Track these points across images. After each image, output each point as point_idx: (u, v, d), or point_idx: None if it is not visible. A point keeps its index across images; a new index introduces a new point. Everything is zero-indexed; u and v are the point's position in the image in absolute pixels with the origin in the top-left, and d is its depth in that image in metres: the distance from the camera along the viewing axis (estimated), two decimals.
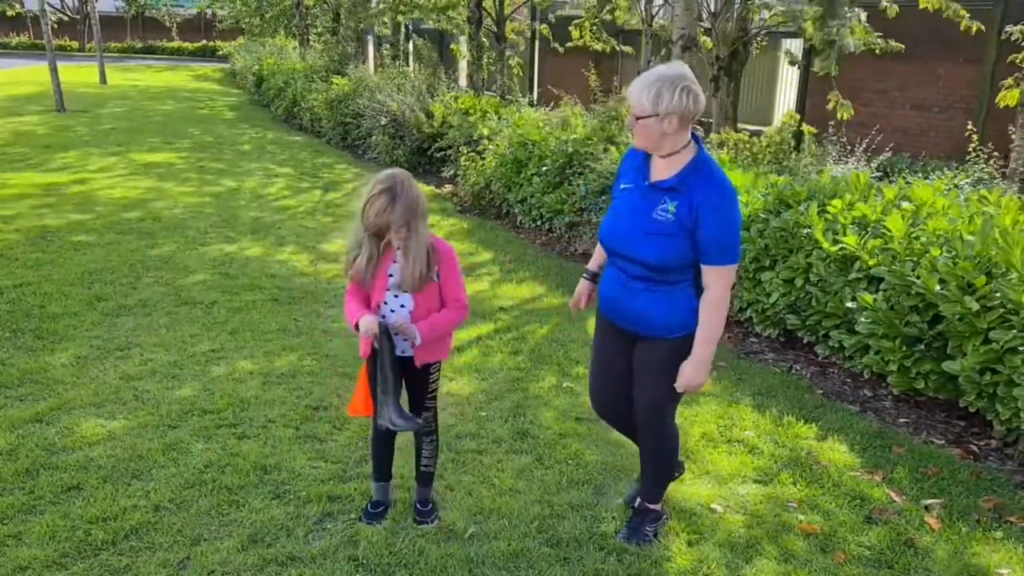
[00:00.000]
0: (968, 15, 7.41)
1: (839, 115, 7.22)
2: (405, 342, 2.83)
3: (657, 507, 3.09)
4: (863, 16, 7.20)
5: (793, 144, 7.30)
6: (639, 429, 2.98)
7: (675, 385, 2.76)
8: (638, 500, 3.13)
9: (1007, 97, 6.98)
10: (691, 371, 2.73)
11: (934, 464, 3.64)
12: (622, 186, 2.88)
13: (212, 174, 10.40)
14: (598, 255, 3.16)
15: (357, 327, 2.78)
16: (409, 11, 16.13)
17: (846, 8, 6.76)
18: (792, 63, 9.69)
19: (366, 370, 2.99)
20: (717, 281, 2.68)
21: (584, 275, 3.20)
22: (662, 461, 3.03)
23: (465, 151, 9.05)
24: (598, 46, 12.68)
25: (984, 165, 6.75)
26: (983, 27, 7.98)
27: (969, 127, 7.81)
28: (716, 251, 2.65)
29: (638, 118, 2.65)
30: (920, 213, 4.48)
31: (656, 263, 2.70)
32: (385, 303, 2.83)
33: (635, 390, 2.92)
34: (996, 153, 7.38)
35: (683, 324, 2.76)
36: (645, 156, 2.82)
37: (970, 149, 7.31)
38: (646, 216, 2.72)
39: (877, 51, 7.59)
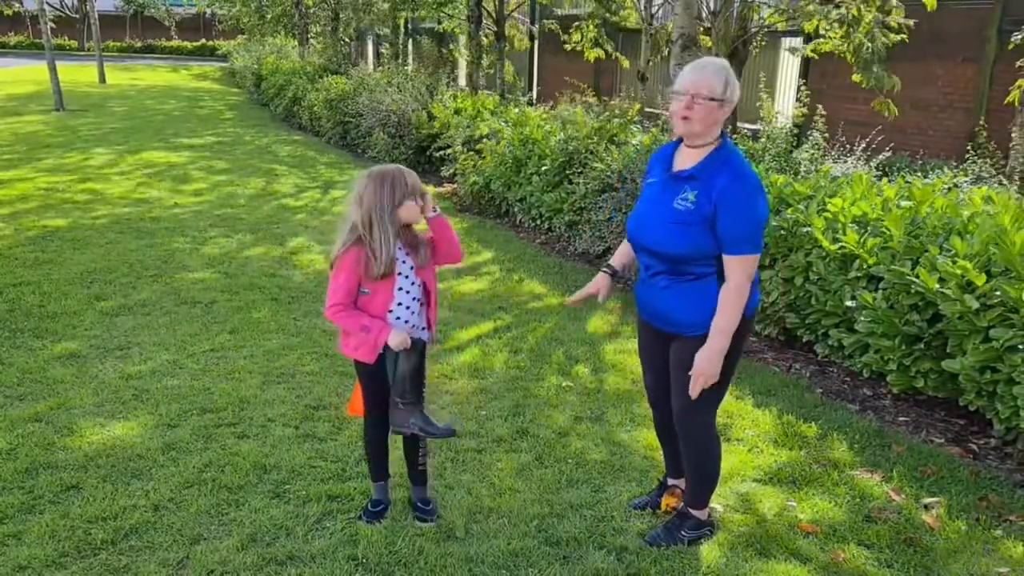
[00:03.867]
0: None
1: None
2: (424, 331, 2.94)
3: (700, 514, 3.03)
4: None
5: (794, 142, 7.30)
6: (678, 430, 2.94)
7: (688, 372, 2.71)
8: (682, 504, 3.07)
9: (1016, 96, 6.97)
10: (703, 361, 2.68)
11: (933, 463, 3.64)
12: (649, 180, 2.89)
13: (211, 173, 10.40)
14: (621, 252, 3.08)
15: (382, 342, 2.81)
16: (409, 8, 16.12)
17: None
18: (793, 52, 9.68)
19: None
20: (735, 271, 2.66)
21: (604, 268, 3.07)
22: (703, 464, 2.96)
23: (463, 150, 9.04)
24: (593, 55, 12.54)
25: (983, 163, 6.75)
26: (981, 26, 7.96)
27: (981, 122, 7.74)
28: (734, 240, 2.64)
29: (701, 100, 2.63)
30: (920, 212, 4.48)
31: (674, 253, 2.69)
32: (399, 304, 2.85)
33: (672, 391, 2.89)
34: (990, 150, 7.37)
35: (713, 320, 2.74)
36: (674, 149, 2.83)
37: (969, 148, 7.31)
38: (667, 206, 2.73)
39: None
